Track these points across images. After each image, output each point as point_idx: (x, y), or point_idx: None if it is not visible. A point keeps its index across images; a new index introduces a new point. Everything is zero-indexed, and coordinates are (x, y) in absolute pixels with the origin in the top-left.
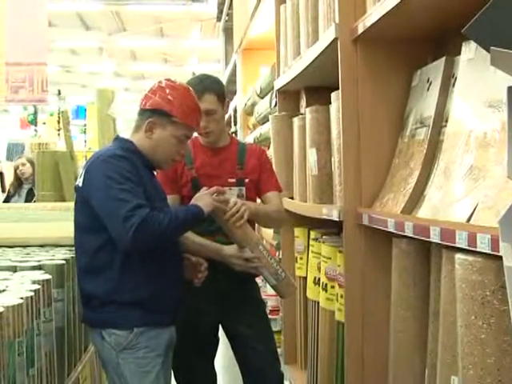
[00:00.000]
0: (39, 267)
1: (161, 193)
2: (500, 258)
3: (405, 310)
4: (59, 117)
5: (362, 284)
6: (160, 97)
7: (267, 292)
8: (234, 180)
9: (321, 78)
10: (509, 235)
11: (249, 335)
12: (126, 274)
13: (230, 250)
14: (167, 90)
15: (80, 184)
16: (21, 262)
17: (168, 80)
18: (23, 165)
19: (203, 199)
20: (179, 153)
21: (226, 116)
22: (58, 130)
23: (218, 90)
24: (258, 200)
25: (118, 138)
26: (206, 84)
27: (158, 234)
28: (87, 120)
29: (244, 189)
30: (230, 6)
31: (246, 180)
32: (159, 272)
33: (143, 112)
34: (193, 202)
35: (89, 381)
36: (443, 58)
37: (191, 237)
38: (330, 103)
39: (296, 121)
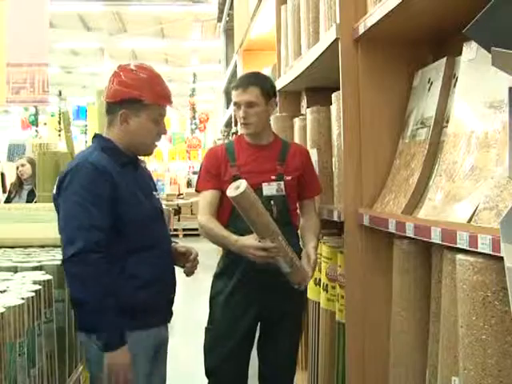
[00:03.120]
0: (40, 268)
1: (147, 187)
2: (501, 258)
3: (405, 311)
4: (60, 117)
5: (362, 284)
6: (123, 85)
7: None
8: (275, 177)
9: (322, 78)
10: (510, 236)
11: (278, 329)
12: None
13: (247, 240)
14: (127, 77)
15: (56, 194)
16: (22, 262)
17: (124, 66)
18: (23, 165)
19: (119, 359)
20: (159, 134)
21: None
22: (59, 131)
23: (262, 85)
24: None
25: (96, 137)
26: (252, 78)
27: (85, 283)
28: (88, 120)
29: (283, 183)
30: (231, 7)
31: (288, 178)
32: (146, 280)
33: (112, 105)
34: (117, 352)
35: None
36: (444, 59)
37: (216, 229)
38: (331, 104)
39: (297, 121)
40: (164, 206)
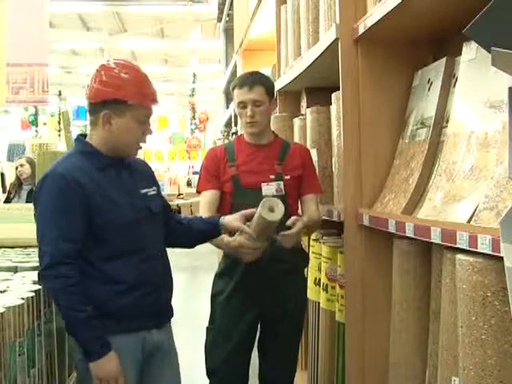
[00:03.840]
0: None
1: (133, 187)
2: (501, 258)
3: (405, 311)
4: (60, 117)
5: (362, 284)
6: (105, 85)
7: None
8: (273, 177)
9: (321, 78)
10: (510, 236)
11: (277, 331)
12: (90, 290)
13: (239, 241)
14: (109, 76)
15: (34, 206)
16: (21, 262)
17: (105, 65)
18: (22, 165)
19: (104, 367)
20: (144, 134)
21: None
22: (59, 131)
23: (266, 84)
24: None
25: (77, 139)
26: (257, 77)
27: (58, 296)
28: (87, 121)
29: (282, 183)
30: (231, 7)
31: (287, 177)
32: (128, 284)
33: (94, 106)
34: (102, 360)
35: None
36: (444, 59)
37: None
38: (331, 104)
39: (297, 121)
40: None
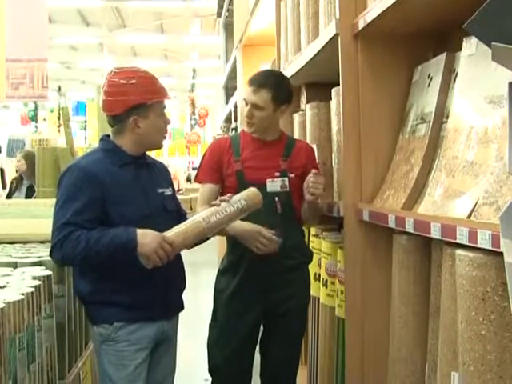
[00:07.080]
0: (40, 263)
1: (150, 185)
2: (501, 254)
3: (405, 306)
4: (59, 113)
5: (362, 280)
6: (124, 94)
7: None
8: (279, 173)
9: (321, 73)
10: (509, 231)
11: (279, 332)
12: (103, 277)
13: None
14: (124, 85)
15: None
16: (21, 258)
17: (115, 77)
18: (18, 161)
19: (148, 242)
20: (166, 125)
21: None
22: (59, 127)
23: (276, 90)
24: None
25: (102, 139)
26: (268, 80)
27: (73, 256)
28: (87, 116)
29: (287, 179)
30: (231, 2)
31: (292, 175)
32: (137, 274)
33: (119, 117)
34: (139, 236)
35: (89, 376)
36: (444, 54)
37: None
38: (331, 99)
39: (296, 117)
40: None
